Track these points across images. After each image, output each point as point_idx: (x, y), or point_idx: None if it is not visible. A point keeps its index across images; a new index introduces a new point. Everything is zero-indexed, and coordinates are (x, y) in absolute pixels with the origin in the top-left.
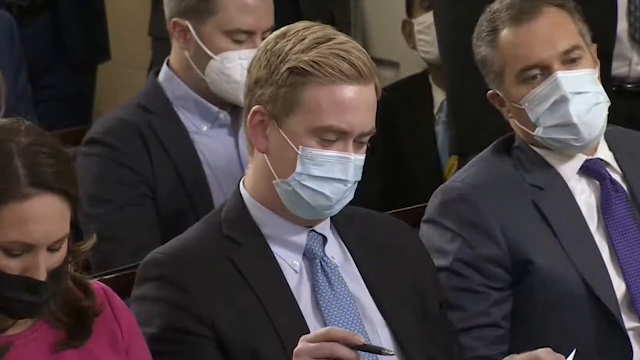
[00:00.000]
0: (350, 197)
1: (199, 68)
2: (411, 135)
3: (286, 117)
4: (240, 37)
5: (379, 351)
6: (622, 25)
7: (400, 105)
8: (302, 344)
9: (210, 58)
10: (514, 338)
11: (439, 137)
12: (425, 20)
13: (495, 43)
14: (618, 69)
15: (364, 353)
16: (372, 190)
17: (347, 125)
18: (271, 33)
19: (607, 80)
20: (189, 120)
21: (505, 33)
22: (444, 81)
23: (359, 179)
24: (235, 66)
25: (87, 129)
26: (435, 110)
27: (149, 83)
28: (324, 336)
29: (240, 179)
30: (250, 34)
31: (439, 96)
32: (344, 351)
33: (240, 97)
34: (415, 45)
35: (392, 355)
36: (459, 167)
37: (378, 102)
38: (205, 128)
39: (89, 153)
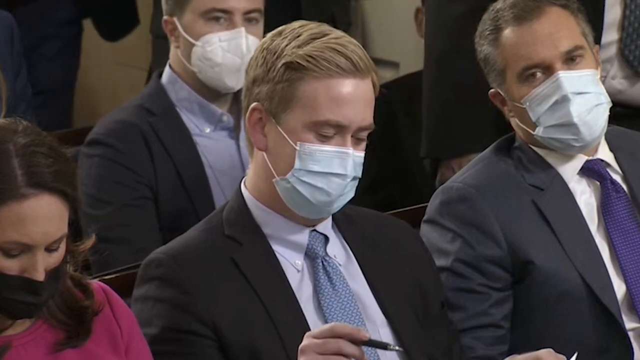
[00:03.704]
0: (351, 193)
1: (187, 60)
2: (412, 131)
3: (283, 113)
4: (216, 14)
5: (384, 346)
6: (612, 36)
7: (401, 102)
8: (307, 340)
9: (193, 45)
10: (514, 338)
11: None
12: None
13: (497, 42)
14: None
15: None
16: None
17: (344, 119)
18: (256, 15)
19: None
20: (192, 122)
21: (507, 32)
22: None
23: (359, 175)
24: (215, 49)
25: (88, 129)
26: None
27: (152, 84)
28: (328, 332)
29: (242, 179)
30: (227, 13)
31: None
32: (350, 348)
33: (226, 81)
34: (422, 35)
35: (398, 350)
36: (432, 171)
37: (378, 99)
38: (207, 130)
39: (90, 154)
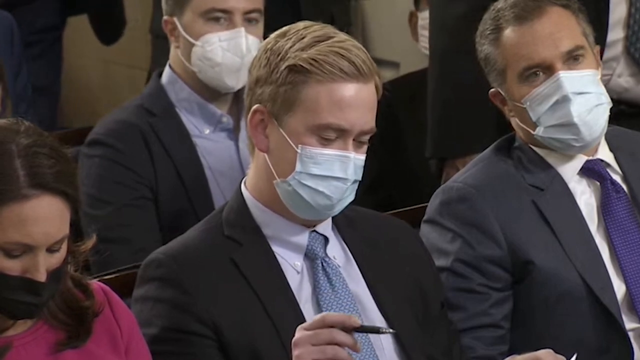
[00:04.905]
0: (351, 197)
1: (187, 60)
2: (413, 131)
3: (285, 115)
4: (216, 14)
5: (376, 330)
6: (617, 34)
7: (402, 101)
8: (300, 332)
9: (193, 45)
10: (514, 338)
11: None
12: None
13: (498, 41)
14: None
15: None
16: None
17: (346, 123)
18: (256, 15)
19: None
20: (191, 123)
21: (508, 32)
22: None
23: (359, 178)
24: (215, 48)
25: (88, 129)
26: None
27: (152, 85)
28: (320, 322)
29: (242, 179)
30: (227, 13)
31: None
32: (342, 336)
33: (226, 80)
34: (417, 38)
35: (392, 332)
36: (437, 172)
37: (379, 101)
38: (207, 131)
39: (90, 154)
